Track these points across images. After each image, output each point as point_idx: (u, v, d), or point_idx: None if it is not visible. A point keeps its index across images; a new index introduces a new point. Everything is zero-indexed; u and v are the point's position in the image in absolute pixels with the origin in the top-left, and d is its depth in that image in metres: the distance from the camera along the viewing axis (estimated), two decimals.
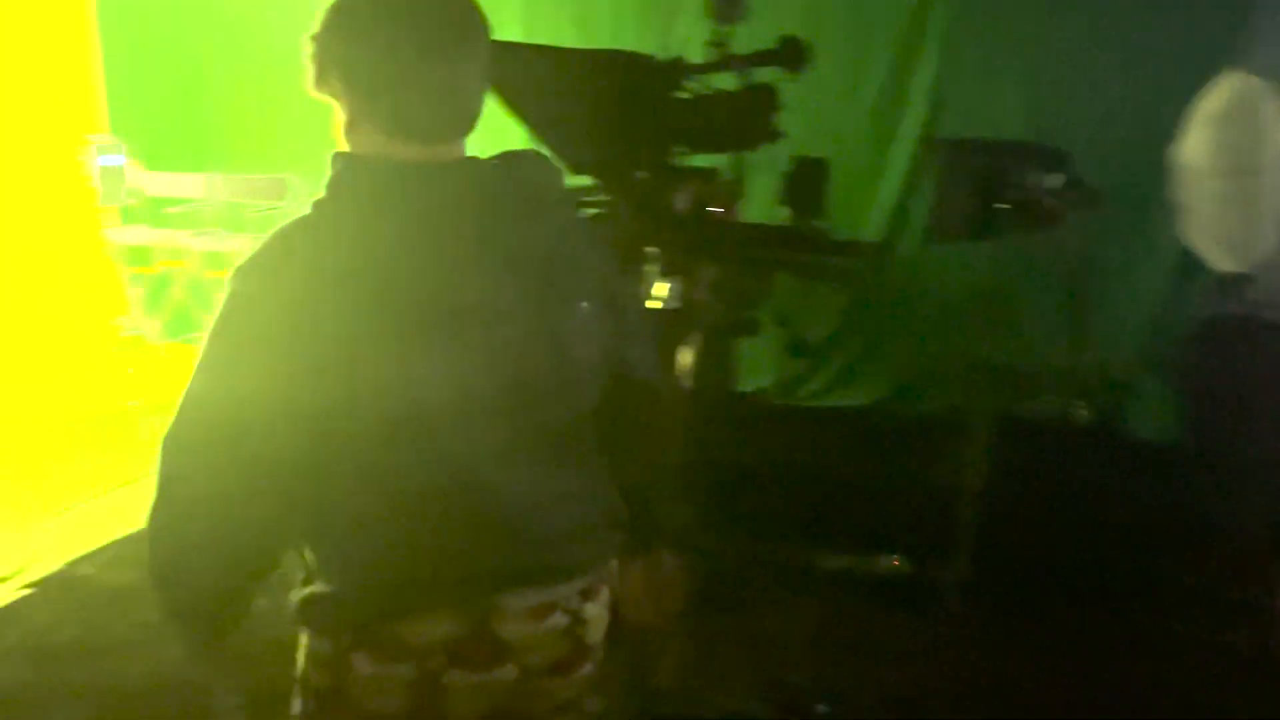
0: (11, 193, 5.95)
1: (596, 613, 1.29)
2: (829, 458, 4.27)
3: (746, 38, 2.57)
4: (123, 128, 6.12)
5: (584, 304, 1.21)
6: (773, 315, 3.46)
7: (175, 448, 1.13)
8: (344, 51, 1.12)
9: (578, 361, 1.21)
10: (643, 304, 1.49)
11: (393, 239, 1.11)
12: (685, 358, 2.62)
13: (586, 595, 1.27)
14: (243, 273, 1.11)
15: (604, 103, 2.37)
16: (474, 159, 1.18)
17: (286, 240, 1.12)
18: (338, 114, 1.16)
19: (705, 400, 2.88)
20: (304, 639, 1.23)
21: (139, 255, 6.40)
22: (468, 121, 1.16)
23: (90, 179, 4.70)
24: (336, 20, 1.12)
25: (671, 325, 2.59)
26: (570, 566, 1.25)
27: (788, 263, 3.08)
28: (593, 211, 2.59)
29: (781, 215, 3.19)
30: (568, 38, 4.84)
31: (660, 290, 2.58)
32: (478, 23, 1.15)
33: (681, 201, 2.44)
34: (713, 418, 3.04)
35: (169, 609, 1.18)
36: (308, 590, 1.18)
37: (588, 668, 1.29)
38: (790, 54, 2.41)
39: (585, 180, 2.57)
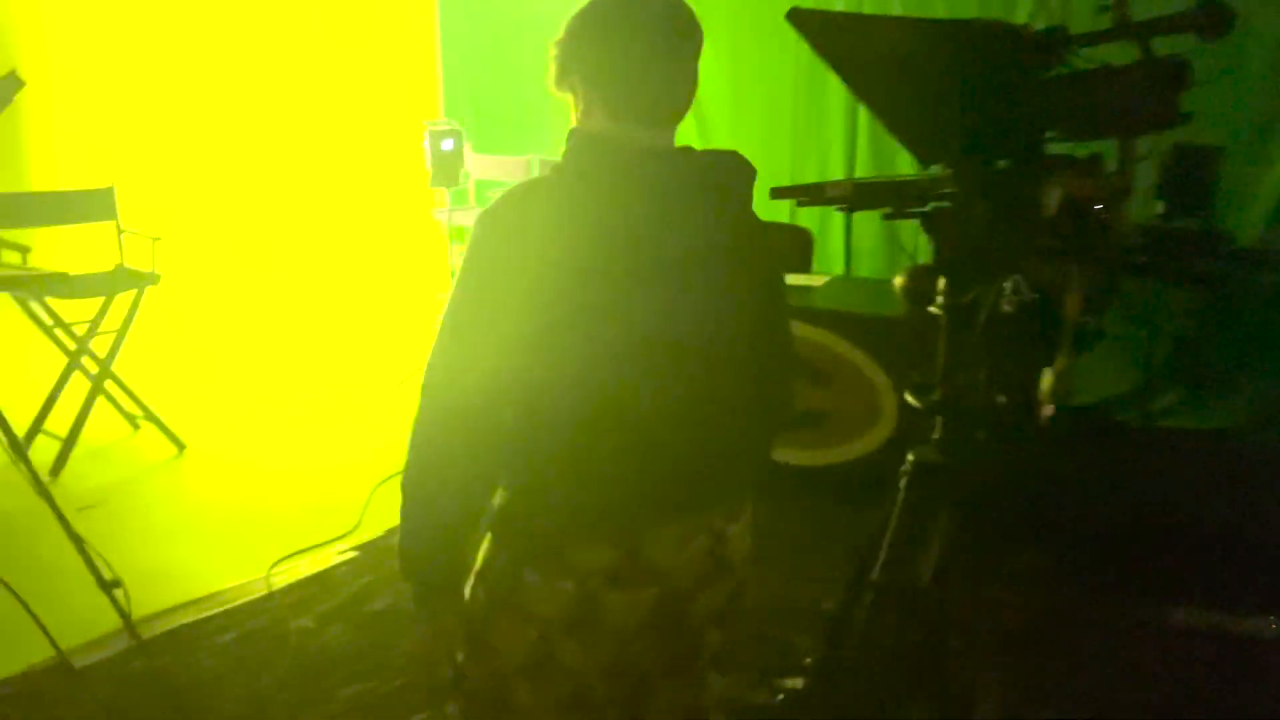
0: (360, 173, 6.47)
1: (737, 532, 1.50)
2: (1185, 489, 3.68)
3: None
4: (454, 113, 6.50)
5: (745, 292, 1.42)
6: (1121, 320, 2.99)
7: (436, 365, 1.34)
8: (586, 52, 1.37)
9: (740, 330, 1.42)
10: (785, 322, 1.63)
11: (616, 201, 1.34)
12: (1044, 376, 2.26)
13: (730, 517, 1.48)
14: (490, 218, 1.35)
15: (964, 80, 2.04)
16: (688, 148, 1.43)
17: (527, 195, 1.37)
18: (574, 106, 1.40)
19: (1047, 418, 2.50)
20: (486, 541, 1.44)
21: (462, 235, 6.81)
22: (681, 111, 1.41)
23: (425, 161, 4.93)
24: (580, 28, 1.36)
25: (1026, 339, 2.25)
26: (717, 496, 1.46)
27: (1160, 267, 2.61)
28: (940, 206, 2.28)
29: (1153, 211, 2.68)
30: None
31: (1013, 300, 2.24)
32: (694, 28, 1.37)
33: (1053, 197, 2.07)
34: (1056, 437, 2.65)
35: (418, 511, 1.36)
36: (500, 505, 1.40)
37: (730, 582, 1.49)
38: (1211, 18, 1.97)
39: (936, 171, 2.26)
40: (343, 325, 6.13)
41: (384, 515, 3.52)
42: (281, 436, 4.49)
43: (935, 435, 2.25)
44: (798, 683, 2.48)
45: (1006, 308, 2.30)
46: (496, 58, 6.36)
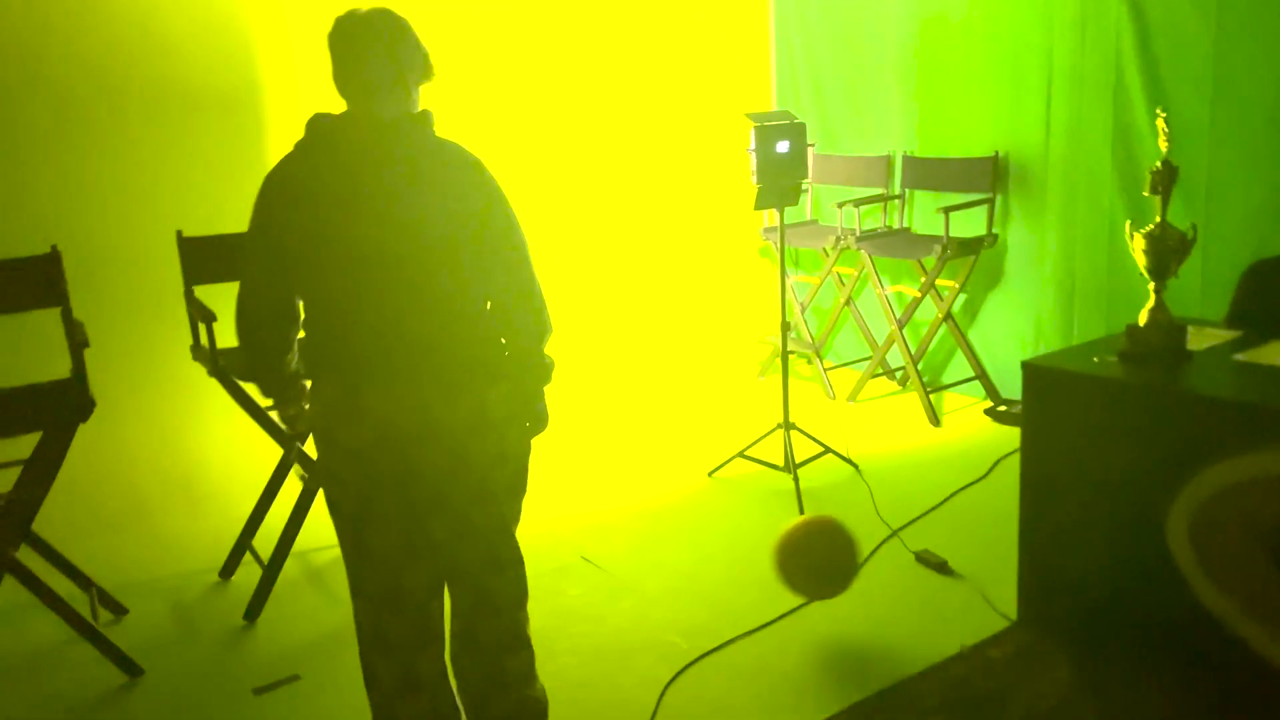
0: (691, 175, 5.16)
1: (443, 403, 1.97)
2: None
3: None
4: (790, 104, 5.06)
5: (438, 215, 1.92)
6: None
7: (241, 290, 1.99)
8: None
9: (438, 245, 1.91)
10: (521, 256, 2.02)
11: (329, 156, 1.92)
12: None
13: (437, 390, 1.96)
14: (265, 179, 1.94)
15: None
16: (401, 118, 1.95)
17: (282, 160, 1.94)
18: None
19: None
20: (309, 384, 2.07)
21: (801, 261, 5.32)
22: (372, 88, 1.93)
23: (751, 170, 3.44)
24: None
25: None
26: (421, 371, 1.95)
27: None
28: None
29: None
30: None
31: None
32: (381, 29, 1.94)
33: None
34: None
35: (249, 356, 2.04)
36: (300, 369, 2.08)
37: (447, 442, 1.98)
38: None
39: None
40: (653, 399, 4.83)
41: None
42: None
43: None
44: None
45: None
46: (837, 36, 4.87)
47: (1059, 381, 2.54)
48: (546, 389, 2.09)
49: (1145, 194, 2.26)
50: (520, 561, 2.12)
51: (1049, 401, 2.56)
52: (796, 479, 3.56)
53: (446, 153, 1.95)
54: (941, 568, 2.98)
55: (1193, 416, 2.29)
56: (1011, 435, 3.97)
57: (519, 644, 2.13)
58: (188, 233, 3.14)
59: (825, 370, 4.80)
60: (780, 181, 3.44)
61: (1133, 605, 2.53)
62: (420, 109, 1.97)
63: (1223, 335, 2.52)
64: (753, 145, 3.36)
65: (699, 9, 5.11)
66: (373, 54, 1.90)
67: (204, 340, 2.96)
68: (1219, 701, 2.12)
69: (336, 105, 1.97)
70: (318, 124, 1.92)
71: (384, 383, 1.91)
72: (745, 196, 3.63)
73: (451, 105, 4.44)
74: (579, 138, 4.82)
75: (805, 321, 5.05)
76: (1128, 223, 2.32)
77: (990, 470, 3.68)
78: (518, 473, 2.14)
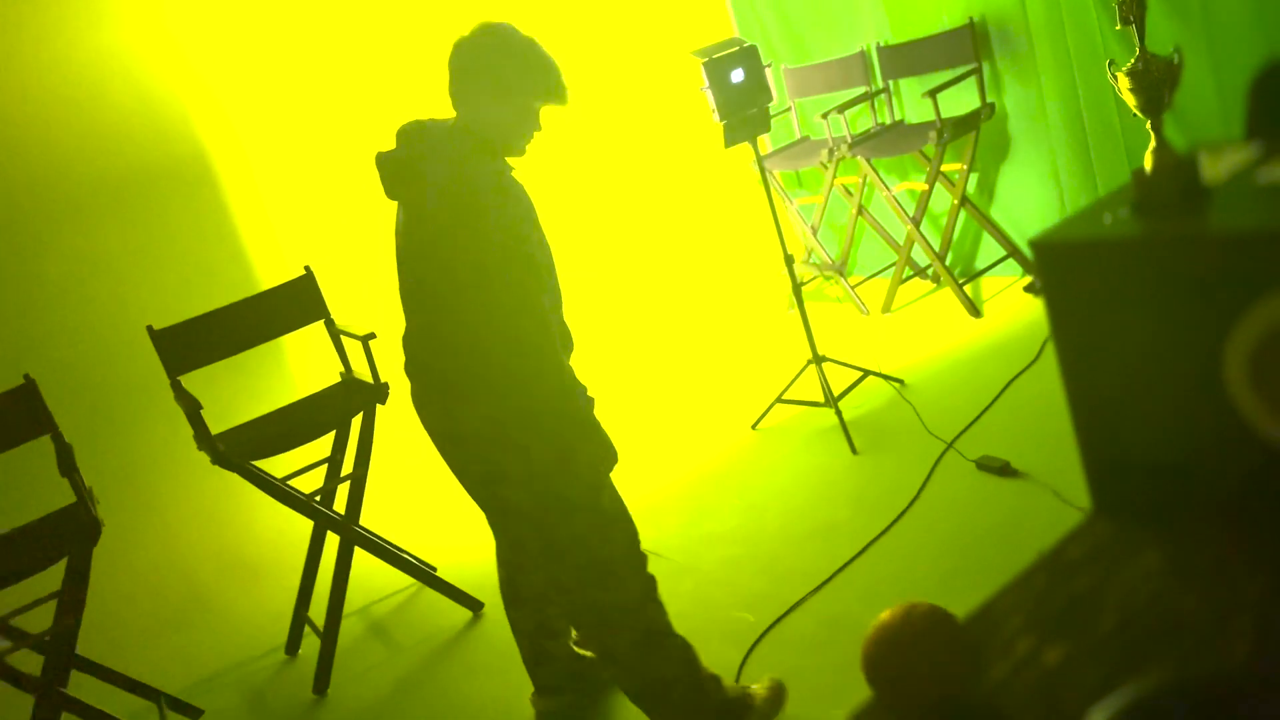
0: (670, 122, 4.97)
1: (461, 415, 2.17)
2: None
3: None
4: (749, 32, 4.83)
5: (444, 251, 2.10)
6: None
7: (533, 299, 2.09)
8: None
9: (442, 280, 2.10)
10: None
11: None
12: None
13: (458, 404, 2.18)
14: (521, 193, 2.08)
15: None
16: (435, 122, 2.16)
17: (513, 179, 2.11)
18: None
19: None
20: None
21: (802, 181, 5.11)
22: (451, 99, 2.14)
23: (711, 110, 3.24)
24: None
25: None
26: (444, 392, 2.18)
27: None
28: None
29: None
30: None
31: None
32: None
33: None
34: None
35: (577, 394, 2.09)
36: None
37: (467, 447, 2.19)
38: None
39: None
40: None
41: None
42: None
43: None
44: None
45: None
46: None
47: (1074, 254, 2.29)
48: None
49: (1117, 28, 2.04)
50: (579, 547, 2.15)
51: (1069, 277, 2.31)
52: (839, 412, 3.39)
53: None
54: (1005, 470, 2.80)
55: (1224, 259, 2.05)
56: None
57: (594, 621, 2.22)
58: (164, 321, 3.06)
59: (853, 287, 4.60)
60: (745, 112, 3.24)
61: (1206, 470, 2.31)
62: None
63: (1241, 156, 2.29)
64: (706, 84, 3.16)
65: None
66: None
67: (200, 429, 2.89)
68: None
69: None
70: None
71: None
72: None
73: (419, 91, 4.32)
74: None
75: (820, 242, 4.84)
76: (1107, 63, 2.10)
77: (1040, 354, 3.47)
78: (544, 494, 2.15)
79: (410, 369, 2.18)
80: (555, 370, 2.02)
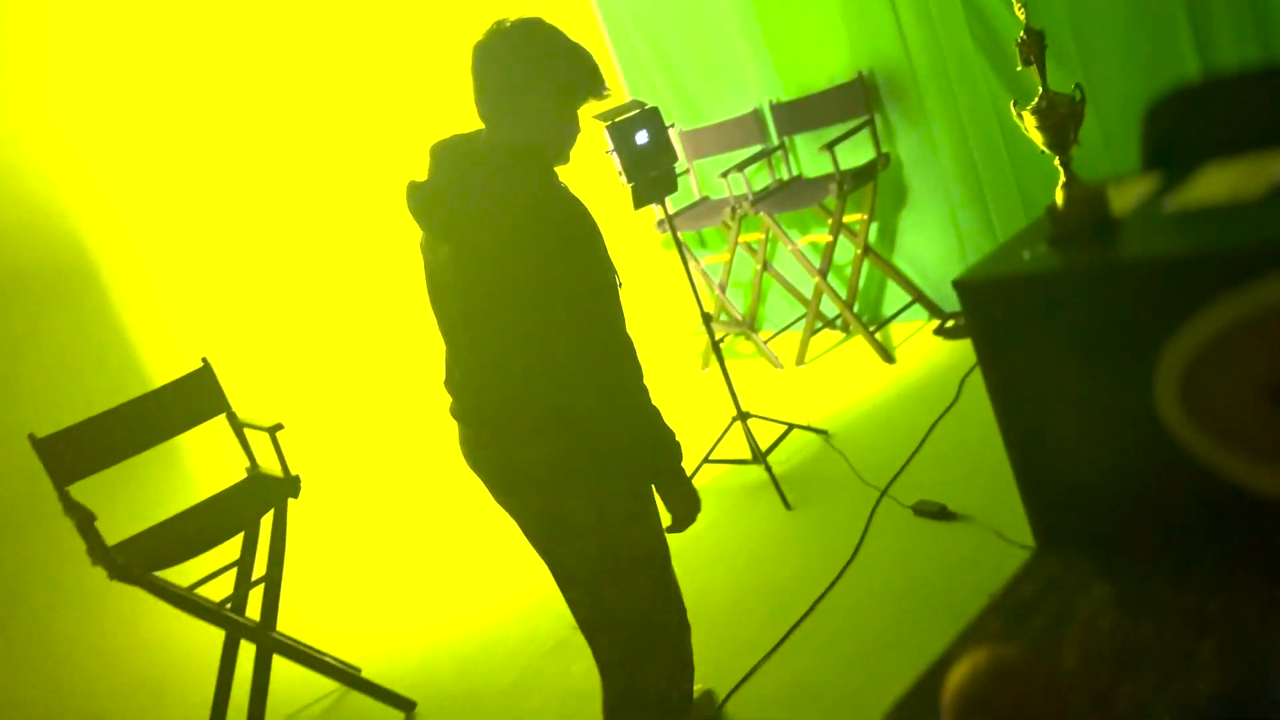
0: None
1: (524, 455, 1.94)
2: None
3: None
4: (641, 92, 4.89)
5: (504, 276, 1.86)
6: None
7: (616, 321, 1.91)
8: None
9: (495, 308, 1.91)
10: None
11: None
12: None
13: (516, 444, 1.96)
14: (586, 213, 1.86)
15: None
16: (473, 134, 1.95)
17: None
18: None
19: None
20: None
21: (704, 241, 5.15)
22: (479, 110, 1.91)
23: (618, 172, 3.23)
24: None
25: None
26: (498, 425, 1.96)
27: None
28: None
29: None
30: None
31: None
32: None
33: None
34: None
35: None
36: None
37: (524, 492, 1.98)
38: None
39: None
40: None
41: None
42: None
43: None
44: None
45: None
46: (667, 5, 4.68)
47: (997, 290, 2.32)
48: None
49: (1019, 69, 2.09)
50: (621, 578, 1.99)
51: (994, 314, 2.34)
52: (769, 468, 3.37)
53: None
54: (942, 514, 2.81)
55: (1139, 285, 2.10)
56: (968, 349, 3.82)
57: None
58: (48, 427, 2.85)
59: (764, 342, 4.62)
60: (652, 173, 3.24)
61: (1147, 495, 2.34)
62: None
63: (1144, 186, 2.35)
64: (610, 146, 3.15)
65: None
66: None
67: (94, 542, 2.68)
68: (1257, 564, 1.97)
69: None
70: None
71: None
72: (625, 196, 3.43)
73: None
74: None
75: (729, 300, 4.86)
76: (1011, 103, 2.14)
77: (959, 393, 3.52)
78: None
79: (459, 412, 1.97)
80: (646, 406, 1.85)
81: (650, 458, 1.88)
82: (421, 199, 1.86)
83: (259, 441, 2.97)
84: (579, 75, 1.82)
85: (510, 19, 1.82)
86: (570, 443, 1.85)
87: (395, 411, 4.51)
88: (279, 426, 2.83)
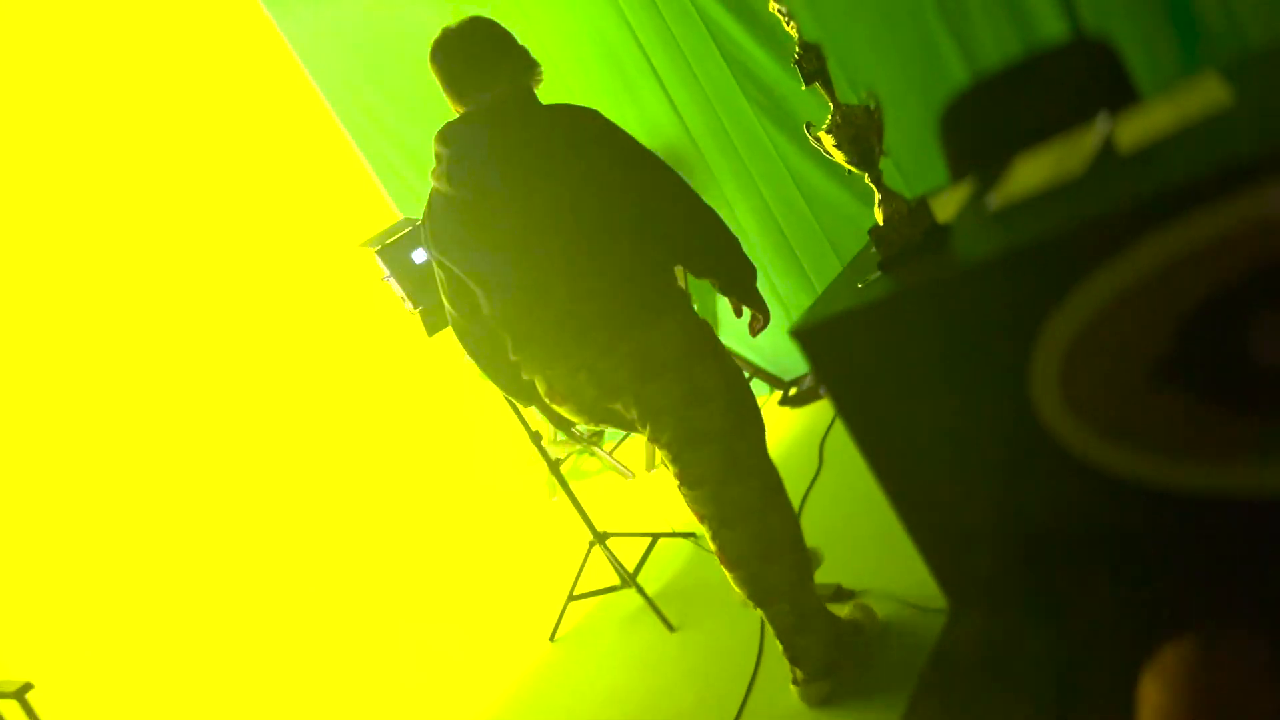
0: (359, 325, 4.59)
1: (655, 338, 2.24)
2: None
3: None
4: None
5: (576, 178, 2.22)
6: None
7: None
8: None
9: (585, 208, 2.23)
10: None
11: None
12: None
13: (643, 330, 2.25)
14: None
15: None
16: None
17: None
18: None
19: None
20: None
21: None
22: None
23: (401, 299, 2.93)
24: None
25: None
26: (613, 324, 2.25)
27: None
28: None
29: None
30: None
31: None
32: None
33: None
34: None
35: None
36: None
37: (665, 377, 2.24)
38: None
39: None
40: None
41: None
42: None
43: None
44: None
45: None
46: (415, 114, 4.46)
47: (837, 329, 2.09)
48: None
49: (803, 88, 1.94)
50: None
51: (840, 355, 2.11)
52: (641, 589, 3.04)
53: None
54: (839, 594, 2.56)
55: (981, 287, 1.92)
56: (817, 412, 3.66)
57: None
58: None
59: (609, 453, 4.35)
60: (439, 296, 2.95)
61: (1046, 516, 2.13)
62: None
63: (961, 192, 2.23)
64: (387, 273, 2.85)
65: (276, 160, 4.61)
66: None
67: None
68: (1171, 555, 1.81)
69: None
70: None
71: None
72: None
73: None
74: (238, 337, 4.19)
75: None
76: (805, 126, 1.98)
77: (820, 459, 3.32)
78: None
79: (592, 358, 2.21)
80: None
81: (750, 271, 2.38)
82: (505, 149, 2.13)
83: (9, 710, 2.42)
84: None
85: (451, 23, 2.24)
86: (688, 318, 2.27)
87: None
88: (28, 686, 2.30)
